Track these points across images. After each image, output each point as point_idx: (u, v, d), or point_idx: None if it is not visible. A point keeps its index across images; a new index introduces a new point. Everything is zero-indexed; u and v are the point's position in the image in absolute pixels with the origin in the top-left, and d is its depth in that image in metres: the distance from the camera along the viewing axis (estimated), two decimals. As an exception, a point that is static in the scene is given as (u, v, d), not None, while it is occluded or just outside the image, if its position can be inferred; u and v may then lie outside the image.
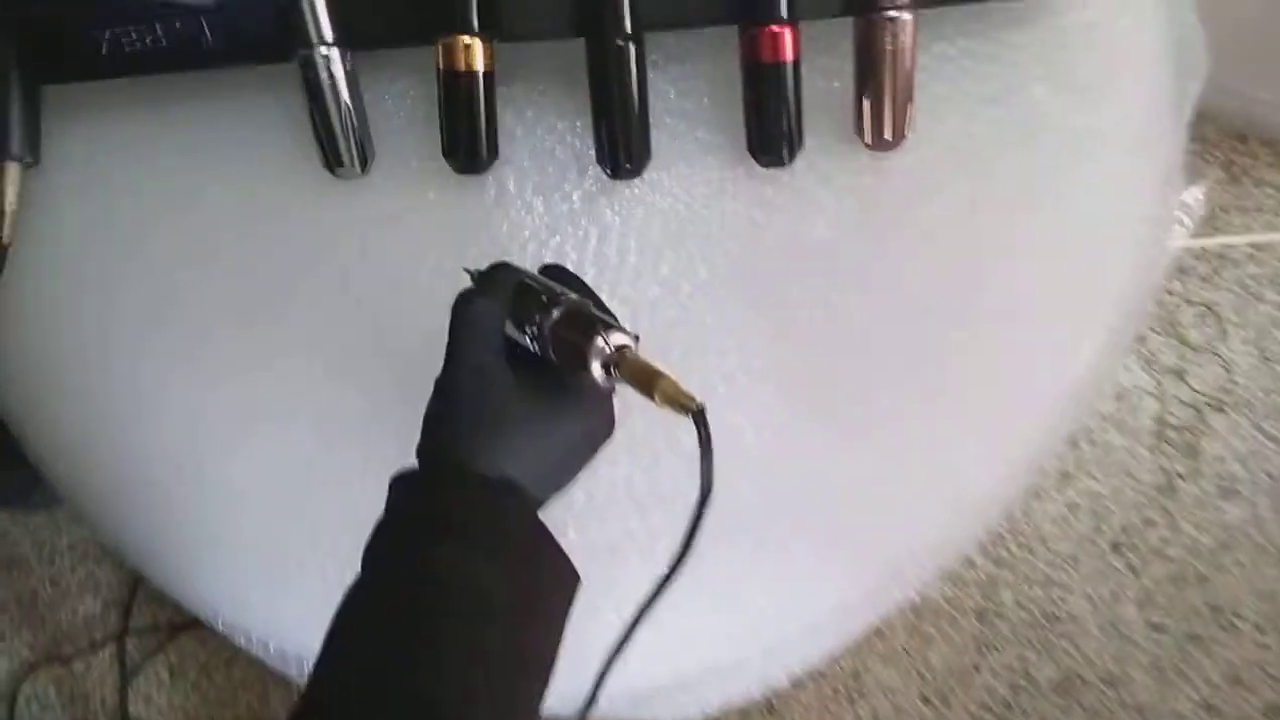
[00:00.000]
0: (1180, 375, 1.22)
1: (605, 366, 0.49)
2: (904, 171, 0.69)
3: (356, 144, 0.67)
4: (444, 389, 0.52)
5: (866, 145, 0.67)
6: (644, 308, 0.69)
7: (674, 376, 0.47)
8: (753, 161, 0.68)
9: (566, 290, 0.53)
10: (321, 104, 0.66)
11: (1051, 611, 1.23)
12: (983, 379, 0.71)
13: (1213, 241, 1.17)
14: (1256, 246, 1.21)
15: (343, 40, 0.65)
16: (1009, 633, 1.23)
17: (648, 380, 0.47)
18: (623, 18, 0.63)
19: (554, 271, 0.58)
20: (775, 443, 0.70)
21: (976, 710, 1.22)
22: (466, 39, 0.64)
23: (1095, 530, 1.24)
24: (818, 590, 0.72)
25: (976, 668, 1.23)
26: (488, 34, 0.64)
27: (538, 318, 0.51)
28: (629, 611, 0.52)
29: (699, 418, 0.46)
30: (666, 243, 0.70)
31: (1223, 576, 1.23)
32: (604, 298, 0.58)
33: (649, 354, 0.50)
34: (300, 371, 0.70)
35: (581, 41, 0.65)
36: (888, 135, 0.66)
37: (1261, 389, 1.23)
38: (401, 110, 0.70)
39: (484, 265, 0.58)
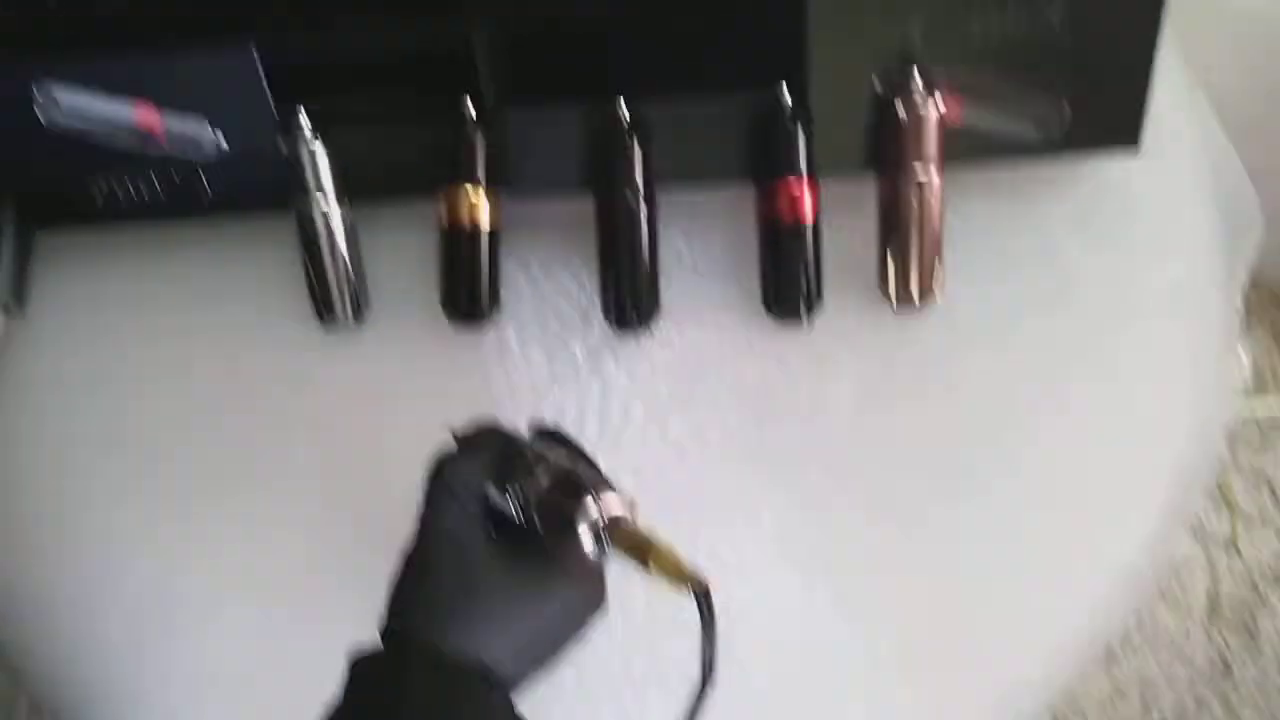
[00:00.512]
0: (1233, 546, 1.14)
1: (596, 535, 0.44)
2: (931, 334, 0.65)
3: (351, 294, 0.64)
4: (412, 558, 0.47)
5: (891, 306, 0.63)
6: (649, 472, 0.64)
7: (672, 548, 0.42)
8: (769, 318, 0.64)
9: (556, 453, 0.48)
10: (315, 253, 0.63)
11: (1101, 807, 1.12)
12: (1024, 561, 0.64)
13: (1264, 407, 1.11)
14: (1307, 411, 1.16)
15: (343, 191, 0.62)
16: (1054, 829, 1.12)
17: (643, 551, 0.42)
18: (634, 174, 0.60)
19: (546, 434, 0.53)
20: (789, 625, 0.64)
21: None
22: (471, 192, 0.61)
23: (1144, 715, 1.14)
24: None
25: None
26: (492, 186, 0.62)
27: (522, 482, 0.47)
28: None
29: (701, 595, 0.41)
30: (675, 402, 0.65)
31: (1290, 772, 1.12)
32: (605, 461, 0.53)
33: (649, 522, 0.45)
34: (281, 541, 0.65)
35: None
36: (914, 296, 0.62)
37: (1321, 562, 1.15)
38: (402, 260, 0.67)
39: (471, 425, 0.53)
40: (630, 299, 0.62)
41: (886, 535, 0.64)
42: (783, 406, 0.65)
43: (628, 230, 0.61)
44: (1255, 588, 1.15)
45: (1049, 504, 0.65)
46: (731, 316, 0.65)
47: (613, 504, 0.44)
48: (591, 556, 0.45)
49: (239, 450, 0.66)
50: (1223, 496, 1.15)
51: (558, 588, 0.47)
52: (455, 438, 0.52)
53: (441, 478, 0.47)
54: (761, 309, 0.64)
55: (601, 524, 0.44)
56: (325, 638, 0.62)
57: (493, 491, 0.48)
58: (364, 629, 0.47)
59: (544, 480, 0.46)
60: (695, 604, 0.41)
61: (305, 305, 0.64)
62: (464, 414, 0.56)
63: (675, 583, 0.41)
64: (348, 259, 0.63)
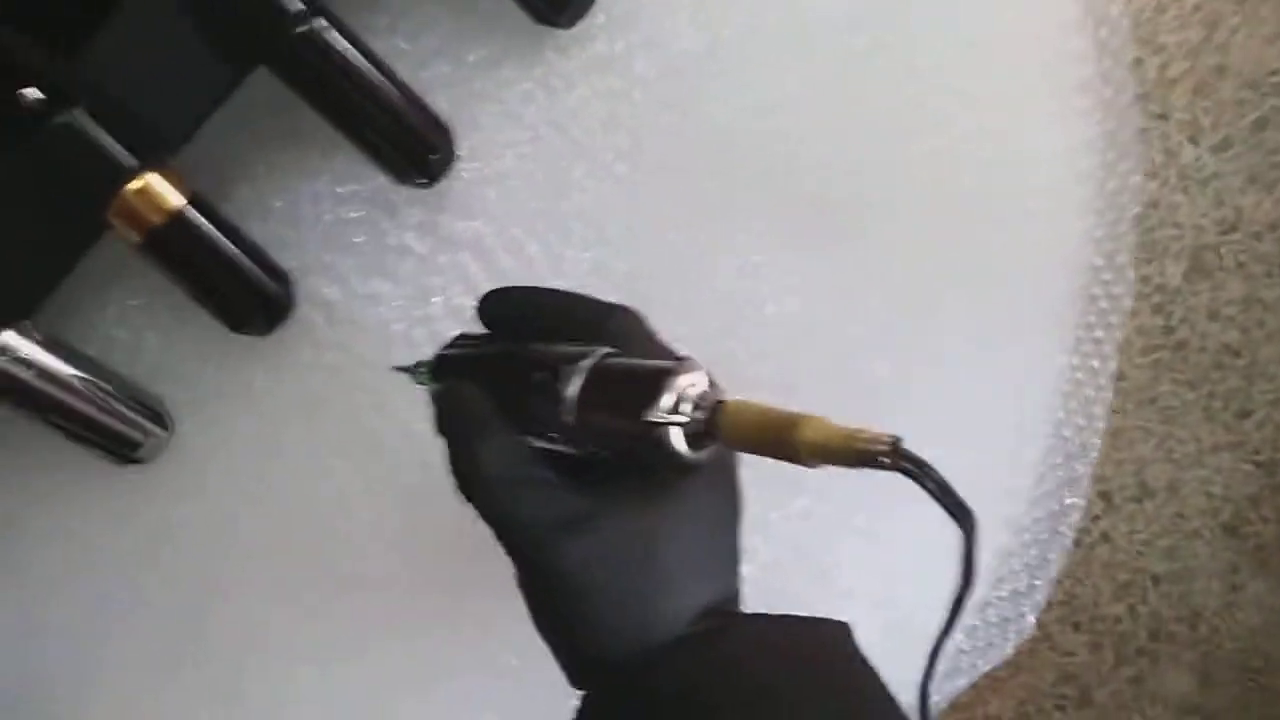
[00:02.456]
0: None
1: (696, 437, 0.31)
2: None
3: (134, 410, 0.47)
4: (543, 587, 0.33)
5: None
6: (602, 279, 0.50)
7: (816, 415, 0.29)
8: (558, 31, 0.49)
9: (546, 345, 0.34)
10: (58, 405, 0.45)
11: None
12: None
13: None
14: None
15: (8, 314, 0.44)
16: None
17: (779, 431, 0.29)
18: (291, 6, 0.43)
19: (500, 307, 0.38)
20: (821, 305, 0.52)
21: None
22: (135, 185, 0.43)
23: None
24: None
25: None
26: (154, 160, 0.44)
27: (550, 416, 0.32)
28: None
29: (900, 458, 0.28)
30: (550, 193, 0.50)
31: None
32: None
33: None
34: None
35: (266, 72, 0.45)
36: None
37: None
38: (149, 324, 0.49)
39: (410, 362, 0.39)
40: (412, 143, 0.47)
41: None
42: (649, 107, 0.51)
43: (335, 69, 0.44)
44: None
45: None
46: (519, 66, 0.50)
47: (689, 381, 0.31)
48: (695, 461, 0.31)
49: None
50: None
51: (691, 490, 0.34)
52: (440, 429, 0.37)
53: (475, 479, 0.33)
54: (545, 33, 0.49)
55: (696, 423, 0.30)
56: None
57: (536, 441, 0.34)
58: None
59: (573, 390, 0.32)
60: (897, 470, 0.28)
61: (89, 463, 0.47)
62: (363, 409, 0.42)
63: (844, 457, 0.28)
64: (91, 378, 0.46)
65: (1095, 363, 0.51)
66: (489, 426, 0.33)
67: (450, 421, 0.34)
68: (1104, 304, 0.50)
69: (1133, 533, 1.09)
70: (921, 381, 0.52)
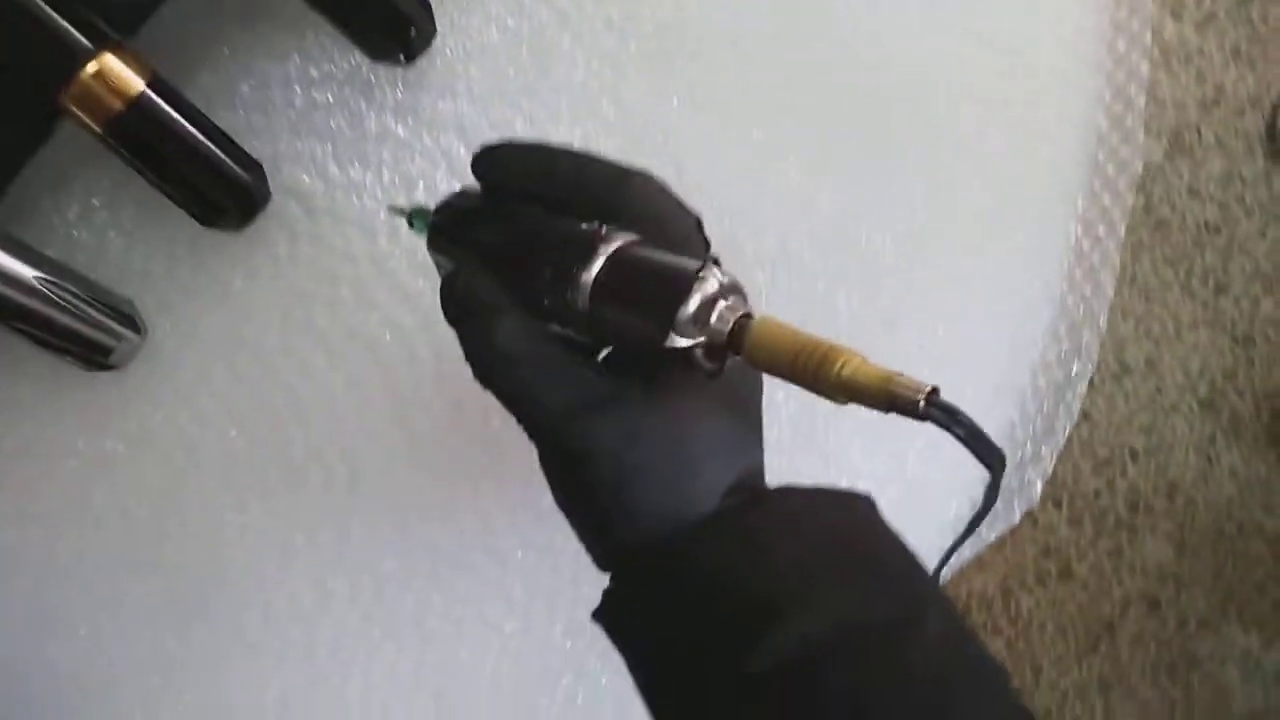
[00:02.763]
0: None
1: (715, 353, 0.29)
2: None
3: (106, 312, 0.44)
4: (570, 469, 0.31)
5: None
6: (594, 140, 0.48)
7: (852, 351, 0.27)
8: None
9: (558, 219, 0.32)
10: (21, 310, 0.43)
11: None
12: None
13: None
14: None
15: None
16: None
17: (812, 368, 0.27)
18: None
19: (501, 164, 0.34)
20: (822, 175, 0.50)
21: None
22: (91, 67, 0.40)
23: None
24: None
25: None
26: (110, 42, 0.40)
27: (562, 303, 0.30)
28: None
29: (936, 409, 0.26)
30: (535, 70, 0.47)
31: None
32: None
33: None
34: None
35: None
36: None
37: None
38: (112, 223, 0.46)
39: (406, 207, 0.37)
40: (389, 18, 0.44)
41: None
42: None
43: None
44: None
45: None
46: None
47: (716, 286, 0.28)
48: (717, 371, 0.29)
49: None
50: None
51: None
52: (450, 316, 0.34)
53: (495, 360, 0.31)
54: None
55: (715, 338, 0.28)
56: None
57: (548, 326, 0.32)
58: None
59: (588, 279, 0.30)
60: (929, 420, 0.26)
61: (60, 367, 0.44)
62: (346, 304, 0.40)
63: (877, 400, 0.26)
64: (58, 282, 0.43)
65: (1102, 230, 0.50)
66: (503, 306, 0.31)
67: (462, 305, 0.32)
68: (1111, 169, 0.49)
69: (1111, 410, 1.10)
70: (925, 254, 0.51)
